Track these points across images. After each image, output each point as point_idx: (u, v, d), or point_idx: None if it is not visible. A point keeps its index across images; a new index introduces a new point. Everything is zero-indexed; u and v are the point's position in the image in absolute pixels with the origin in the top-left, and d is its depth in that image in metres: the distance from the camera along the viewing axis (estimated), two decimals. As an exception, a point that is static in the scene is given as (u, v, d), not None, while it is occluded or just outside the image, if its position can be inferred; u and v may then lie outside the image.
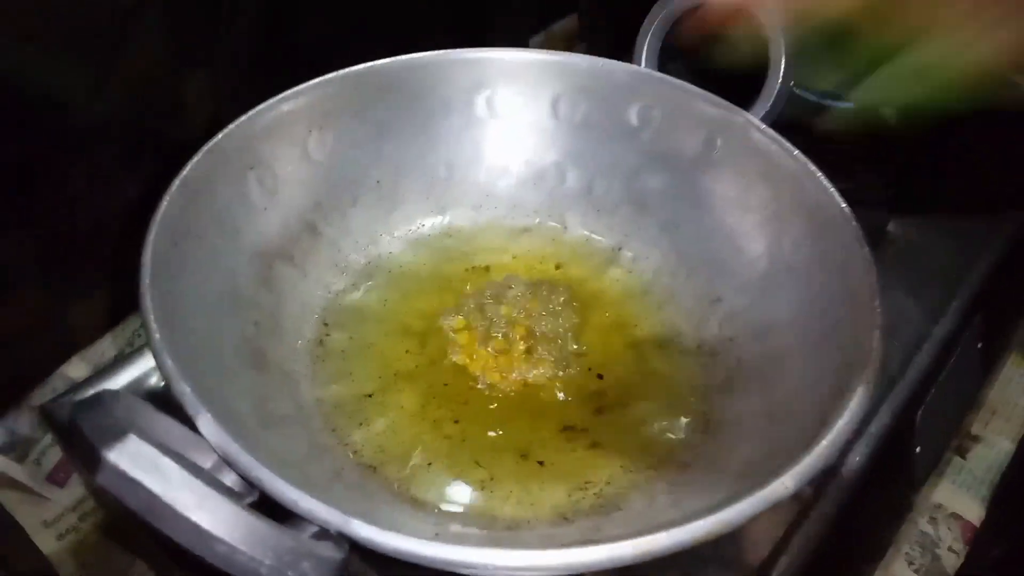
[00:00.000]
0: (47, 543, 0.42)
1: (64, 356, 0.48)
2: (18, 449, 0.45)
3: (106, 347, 0.49)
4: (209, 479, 0.21)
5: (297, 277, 0.40)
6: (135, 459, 0.19)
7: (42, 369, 0.47)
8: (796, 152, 0.38)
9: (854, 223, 0.34)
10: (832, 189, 0.36)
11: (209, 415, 0.26)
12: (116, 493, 0.19)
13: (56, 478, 0.45)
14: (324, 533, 0.24)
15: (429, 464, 0.34)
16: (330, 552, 0.22)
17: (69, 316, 0.48)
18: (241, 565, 0.20)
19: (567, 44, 0.73)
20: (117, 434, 0.19)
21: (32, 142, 0.41)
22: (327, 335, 0.39)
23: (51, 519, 0.43)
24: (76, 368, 0.48)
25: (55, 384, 0.46)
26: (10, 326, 0.44)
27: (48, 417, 0.38)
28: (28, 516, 0.43)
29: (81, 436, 0.19)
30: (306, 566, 0.21)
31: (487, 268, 0.43)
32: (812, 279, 0.36)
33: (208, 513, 0.20)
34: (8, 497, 0.43)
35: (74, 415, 0.20)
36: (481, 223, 0.46)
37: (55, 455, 0.45)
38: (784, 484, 0.25)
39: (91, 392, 0.38)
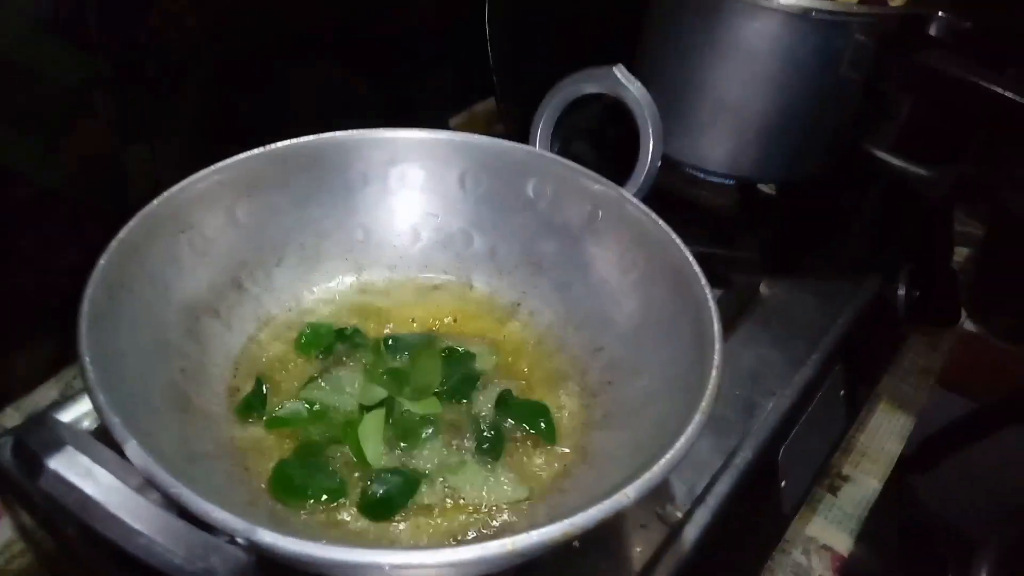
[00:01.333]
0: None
1: (-1, 407, 0.50)
2: (-53, 495, 0.47)
3: (39, 398, 0.51)
4: (135, 486, 0.25)
5: (222, 329, 0.44)
6: (72, 467, 0.23)
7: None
8: (661, 223, 0.44)
9: (704, 283, 0.40)
10: (688, 254, 0.42)
11: (135, 441, 0.30)
12: (56, 495, 0.23)
13: (-16, 521, 0.47)
14: (235, 543, 0.28)
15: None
16: (238, 552, 0.26)
17: (5, 368, 0.50)
18: (158, 556, 0.24)
19: (488, 123, 0.79)
20: (58, 445, 0.23)
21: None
22: (246, 382, 0.43)
23: (-23, 560, 0.46)
24: (10, 418, 0.50)
25: (-11, 433, 0.49)
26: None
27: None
28: (-46, 560, 0.45)
29: (26, 449, 0.23)
30: (215, 561, 0.25)
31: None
32: (672, 329, 0.41)
33: (131, 512, 0.24)
34: (-64, 541, 0.45)
35: (19, 433, 0.24)
36: (396, 281, 0.51)
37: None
38: (626, 494, 0.30)
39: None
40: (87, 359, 0.33)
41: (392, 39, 0.67)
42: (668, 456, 0.32)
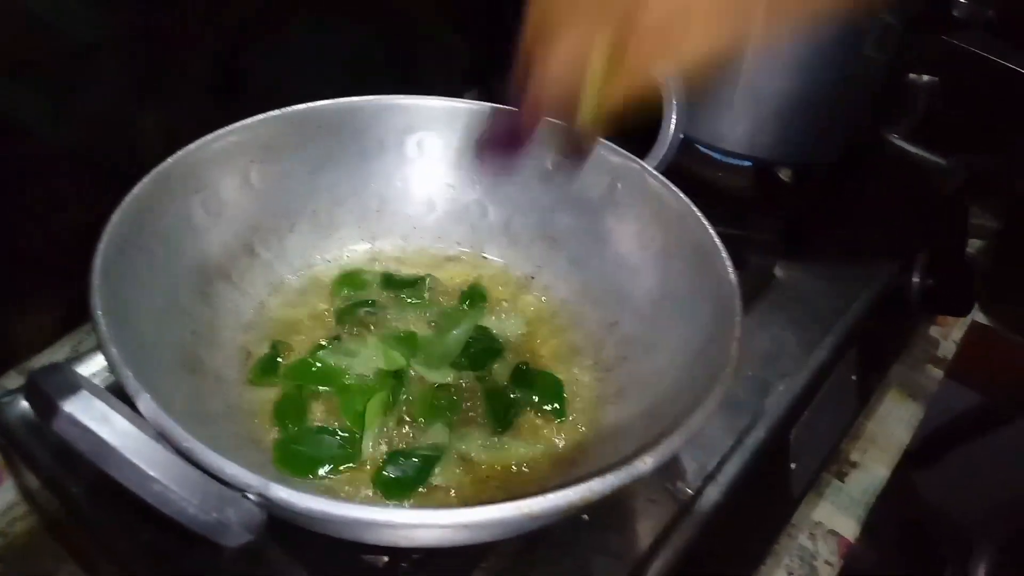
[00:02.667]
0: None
1: (2, 369, 0.50)
2: (-49, 455, 0.46)
3: (45, 361, 0.51)
4: (152, 433, 0.24)
5: (233, 293, 0.43)
6: (87, 410, 0.23)
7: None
8: (682, 195, 0.43)
9: (725, 256, 0.40)
10: (710, 227, 0.42)
11: (148, 395, 0.29)
12: (69, 439, 0.23)
13: (-12, 481, 0.46)
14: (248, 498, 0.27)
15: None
16: (253, 507, 0.25)
17: (10, 330, 0.50)
18: (173, 504, 0.23)
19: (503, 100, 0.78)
20: (73, 388, 0.23)
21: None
22: (258, 346, 0.43)
23: (-20, 522, 0.45)
24: (12, 381, 0.50)
25: (-7, 394, 0.48)
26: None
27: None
28: (-44, 520, 0.45)
29: (39, 392, 0.23)
30: (230, 513, 0.24)
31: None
32: (691, 304, 0.41)
33: (147, 458, 0.23)
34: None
35: (34, 376, 0.24)
36: (409, 251, 0.50)
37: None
38: (644, 462, 0.30)
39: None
40: (99, 313, 0.32)
41: (408, 9, 0.66)
42: (687, 424, 0.31)
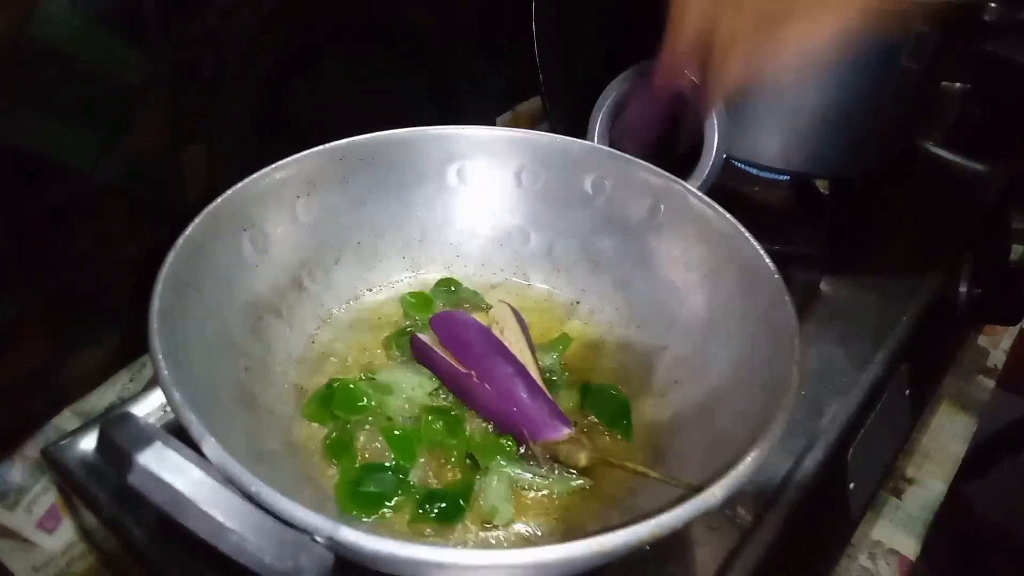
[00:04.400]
0: (35, 587, 0.44)
1: (56, 409, 0.50)
2: (10, 497, 0.47)
3: (96, 400, 0.51)
4: (223, 481, 0.24)
5: (284, 328, 0.44)
6: (162, 462, 0.23)
7: (34, 421, 0.49)
8: (728, 216, 0.43)
9: (777, 276, 0.39)
10: (759, 247, 0.41)
11: (213, 439, 0.29)
12: (145, 491, 0.23)
13: (46, 525, 0.47)
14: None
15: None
16: (324, 551, 0.25)
17: (63, 370, 0.51)
18: (249, 554, 0.23)
19: (532, 122, 0.79)
20: (146, 441, 0.23)
21: (40, 205, 0.45)
22: (310, 380, 0.43)
23: (40, 564, 0.46)
24: (67, 421, 0.50)
25: (47, 435, 0.49)
26: (8, 378, 0.47)
27: (49, 460, 0.41)
28: (18, 562, 0.45)
29: (112, 444, 0.23)
30: (304, 558, 0.24)
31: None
32: (744, 326, 0.40)
33: (223, 508, 0.23)
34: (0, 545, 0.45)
35: (104, 427, 0.24)
36: (456, 280, 0.50)
37: (45, 503, 0.47)
38: (713, 494, 0.29)
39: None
40: (160, 356, 0.32)
41: (439, 38, 0.67)
42: (755, 452, 0.31)
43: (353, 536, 0.27)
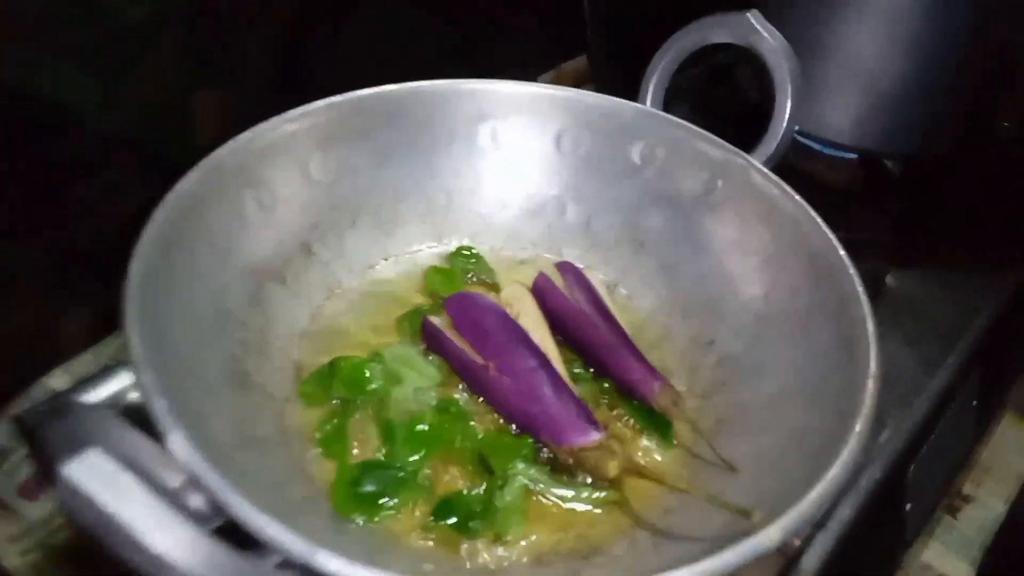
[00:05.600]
0: (11, 559, 0.41)
1: (47, 368, 0.47)
2: (-6, 459, 0.44)
3: (90, 361, 0.48)
4: (173, 499, 0.20)
5: (287, 297, 0.39)
6: (93, 474, 0.19)
7: (24, 380, 0.46)
8: (797, 197, 0.37)
9: (852, 270, 0.34)
10: (831, 235, 0.36)
11: (180, 433, 0.25)
12: (68, 508, 0.19)
13: (28, 491, 0.43)
14: (289, 563, 0.23)
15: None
16: (292, 582, 0.21)
17: (58, 327, 0.47)
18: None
19: (576, 83, 0.73)
20: (77, 446, 0.19)
21: (43, 153, 0.41)
22: (313, 358, 0.38)
23: (18, 534, 0.42)
24: (58, 380, 0.47)
25: (35, 395, 0.45)
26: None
27: (22, 427, 0.37)
28: (-4, 530, 0.42)
29: (42, 446, 0.19)
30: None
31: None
32: (808, 325, 0.35)
33: (165, 537, 0.19)
34: (-21, 510, 0.42)
35: (37, 424, 0.19)
36: (477, 252, 0.45)
37: (29, 467, 0.44)
38: (769, 536, 0.24)
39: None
40: (134, 330, 0.28)
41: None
42: (820, 487, 0.26)
43: (333, 564, 0.23)
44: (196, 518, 0.25)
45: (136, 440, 0.24)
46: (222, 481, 0.24)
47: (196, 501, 0.26)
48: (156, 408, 0.26)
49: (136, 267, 0.31)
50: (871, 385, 0.29)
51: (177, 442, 0.25)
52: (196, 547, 0.20)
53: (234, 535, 0.24)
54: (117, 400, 0.35)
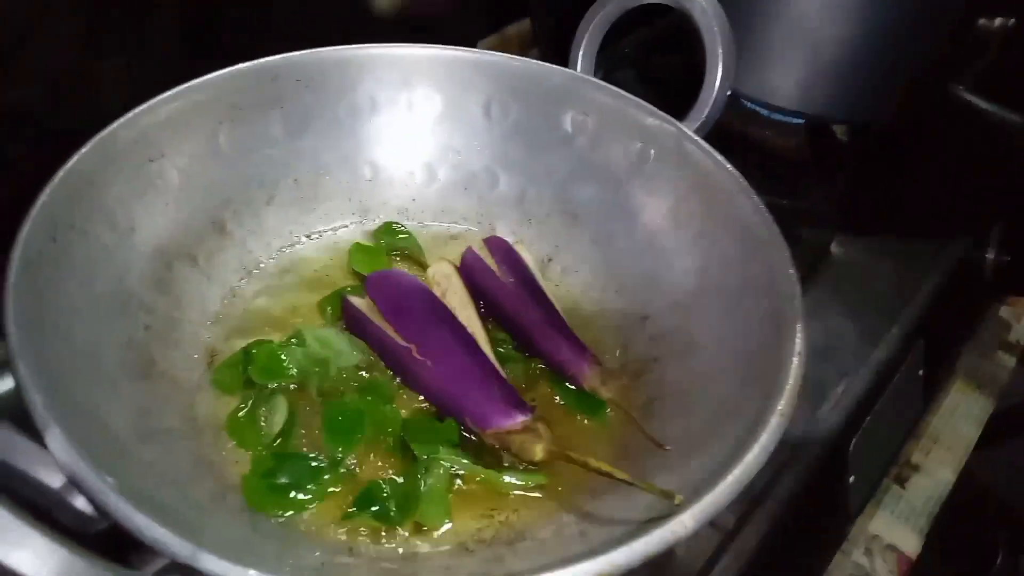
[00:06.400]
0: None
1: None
2: None
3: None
4: (55, 501, 0.18)
5: (199, 279, 0.37)
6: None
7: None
8: (729, 166, 0.36)
9: (784, 244, 0.33)
10: (764, 207, 0.34)
11: (58, 430, 0.23)
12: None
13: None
14: (174, 567, 0.22)
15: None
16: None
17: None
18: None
19: (521, 48, 0.71)
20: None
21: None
22: (227, 343, 0.36)
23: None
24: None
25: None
26: None
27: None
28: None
29: None
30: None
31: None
32: (740, 300, 0.34)
33: (23, 552, 0.17)
34: None
35: None
36: (406, 228, 0.43)
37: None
38: (683, 523, 0.23)
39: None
40: (11, 319, 0.26)
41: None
42: (735, 472, 0.25)
43: (216, 565, 0.21)
44: (79, 521, 0.23)
45: (16, 442, 0.22)
46: (98, 481, 0.22)
47: (80, 502, 0.24)
48: (31, 404, 0.24)
49: (19, 251, 0.29)
50: (795, 364, 0.28)
51: (55, 440, 0.23)
52: (57, 561, 0.18)
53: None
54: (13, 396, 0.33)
